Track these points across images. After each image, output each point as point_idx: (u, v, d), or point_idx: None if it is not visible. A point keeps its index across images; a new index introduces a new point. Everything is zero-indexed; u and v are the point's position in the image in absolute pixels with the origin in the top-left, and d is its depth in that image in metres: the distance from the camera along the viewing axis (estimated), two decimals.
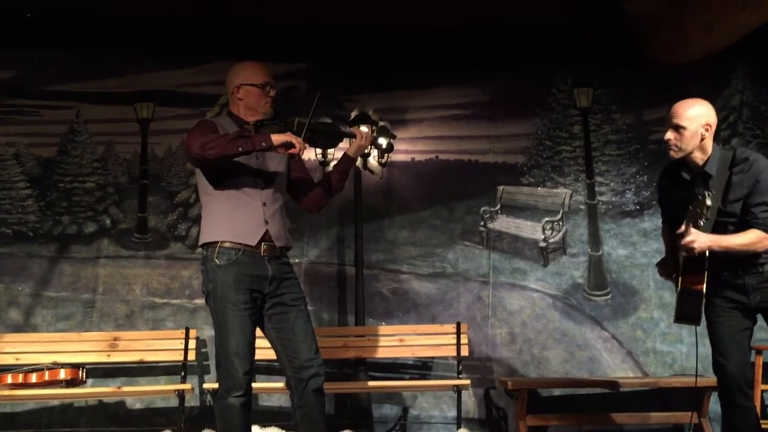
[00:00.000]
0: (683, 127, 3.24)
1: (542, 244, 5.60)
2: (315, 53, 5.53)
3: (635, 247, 5.58)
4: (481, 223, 5.62)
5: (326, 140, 3.39)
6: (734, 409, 3.33)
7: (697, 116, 3.26)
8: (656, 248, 5.39)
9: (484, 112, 5.73)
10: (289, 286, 3.23)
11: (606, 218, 5.63)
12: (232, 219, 3.15)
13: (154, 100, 5.59)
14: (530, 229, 5.63)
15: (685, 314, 3.37)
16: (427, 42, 5.48)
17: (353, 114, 5.36)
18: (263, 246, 3.16)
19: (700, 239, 3.13)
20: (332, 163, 5.06)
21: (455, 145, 5.70)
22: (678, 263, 3.36)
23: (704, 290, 3.25)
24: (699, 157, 3.30)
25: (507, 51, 5.54)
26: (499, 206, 5.66)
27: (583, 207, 5.66)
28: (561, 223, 5.63)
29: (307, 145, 3.14)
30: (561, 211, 5.65)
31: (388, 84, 5.66)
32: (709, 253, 3.19)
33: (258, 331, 3.21)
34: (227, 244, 3.13)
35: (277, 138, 3.06)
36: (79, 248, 5.40)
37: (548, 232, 5.62)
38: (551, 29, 5.40)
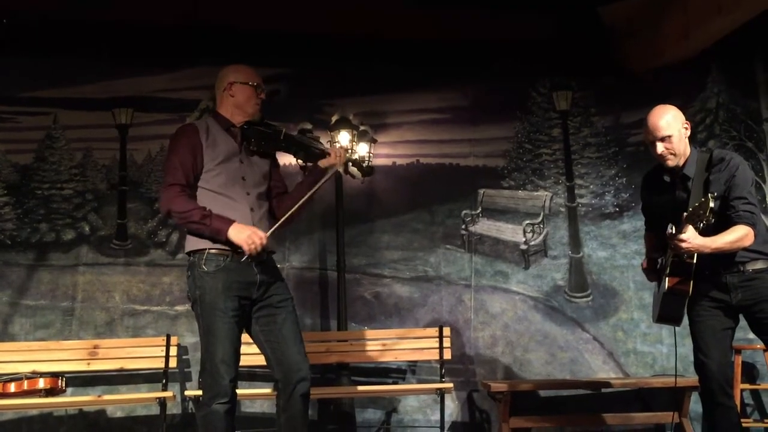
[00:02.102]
0: (669, 136, 3.31)
1: (523, 247, 5.63)
2: (296, 58, 5.52)
3: (615, 249, 5.62)
4: (463, 227, 5.64)
5: (306, 156, 3.43)
6: (715, 408, 3.36)
7: (674, 120, 3.34)
8: (635, 250, 5.44)
9: (465, 116, 5.76)
10: (276, 288, 3.22)
11: (586, 220, 5.68)
12: None
13: (133, 106, 5.55)
14: (511, 232, 5.66)
15: (667, 314, 3.41)
16: (407, 46, 5.50)
17: (334, 118, 5.35)
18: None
19: (695, 241, 3.16)
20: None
21: (436, 148, 5.71)
22: (664, 264, 3.40)
23: (690, 292, 3.29)
24: (680, 161, 3.37)
25: (486, 55, 5.57)
26: (480, 209, 5.68)
27: (563, 209, 5.70)
28: (541, 226, 5.67)
29: (264, 243, 3.10)
30: (541, 213, 5.68)
31: (369, 88, 5.67)
32: (697, 254, 3.22)
33: (244, 337, 3.19)
34: (214, 251, 3.12)
35: (233, 237, 3.04)
36: (58, 256, 5.34)
37: (529, 235, 5.65)
38: (530, 34, 5.44)
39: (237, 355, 3.11)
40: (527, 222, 5.66)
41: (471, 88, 5.77)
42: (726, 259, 3.29)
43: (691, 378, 5.06)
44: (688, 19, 5.02)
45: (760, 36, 5.34)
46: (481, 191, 5.70)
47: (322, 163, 3.37)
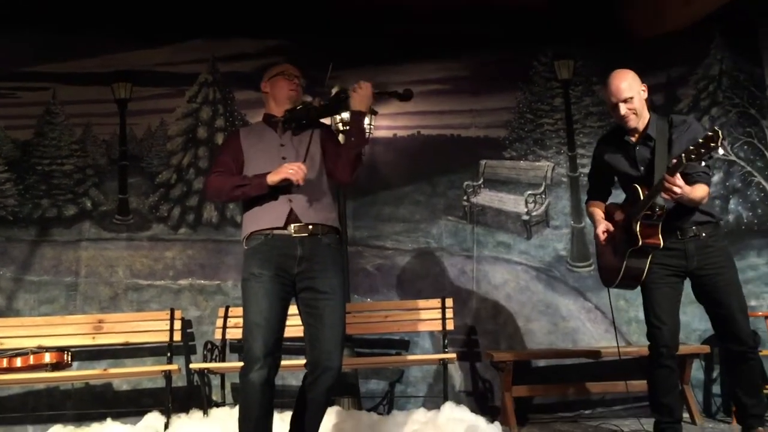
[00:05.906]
0: (631, 98, 3.48)
1: (525, 217, 5.62)
2: (295, 30, 5.47)
3: None
4: (464, 198, 5.63)
5: (337, 109, 3.48)
6: (660, 370, 3.56)
7: (634, 82, 3.51)
8: None
9: (465, 87, 5.72)
10: (322, 270, 3.17)
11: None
12: (261, 209, 3.21)
13: (132, 80, 5.52)
14: (513, 203, 5.65)
15: (630, 276, 3.54)
16: (407, 17, 5.44)
17: (333, 90, 5.29)
18: (292, 227, 3.16)
19: (685, 187, 3.26)
20: None
21: (437, 120, 5.68)
22: (626, 224, 3.53)
23: (661, 245, 3.42)
24: (640, 123, 3.52)
25: (487, 25, 5.51)
26: (481, 180, 5.67)
27: (565, 179, 5.68)
28: (543, 196, 5.66)
29: (304, 168, 3.13)
30: (543, 183, 5.67)
31: (368, 60, 5.61)
32: (666, 209, 3.40)
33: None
34: (256, 232, 3.20)
35: (272, 179, 3.15)
36: (60, 231, 5.36)
37: (531, 205, 5.64)
38: (531, 1, 5.37)
39: (276, 320, 3.08)
40: (529, 192, 5.65)
41: (472, 58, 5.72)
42: (685, 221, 3.45)
43: (693, 345, 5.10)
44: None
45: (765, 1, 5.27)
46: (483, 162, 5.68)
47: (353, 105, 3.28)
